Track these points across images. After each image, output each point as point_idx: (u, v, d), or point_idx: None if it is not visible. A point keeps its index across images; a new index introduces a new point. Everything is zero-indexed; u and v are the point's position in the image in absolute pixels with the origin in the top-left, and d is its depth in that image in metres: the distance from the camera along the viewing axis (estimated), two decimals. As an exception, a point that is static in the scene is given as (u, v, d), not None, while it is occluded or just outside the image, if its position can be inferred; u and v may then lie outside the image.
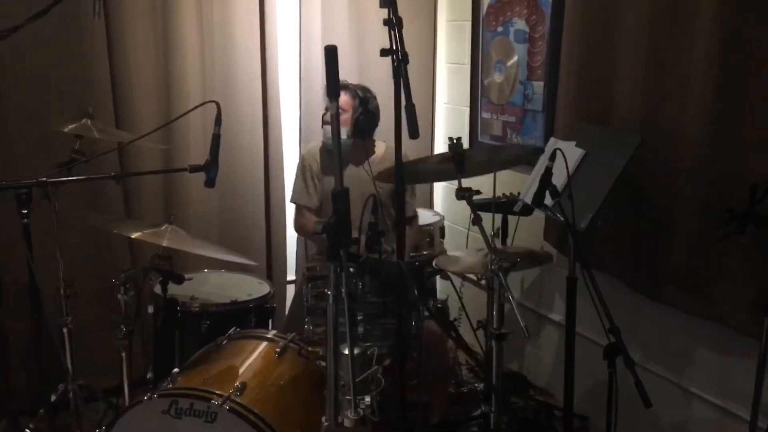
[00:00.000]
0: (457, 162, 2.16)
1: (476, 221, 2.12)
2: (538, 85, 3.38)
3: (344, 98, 3.13)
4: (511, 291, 1.99)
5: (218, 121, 2.27)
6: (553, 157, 2.53)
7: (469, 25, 3.84)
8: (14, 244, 2.95)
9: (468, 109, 3.92)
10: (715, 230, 2.27)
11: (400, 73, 1.74)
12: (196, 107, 2.34)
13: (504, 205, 3.20)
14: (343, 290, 1.39)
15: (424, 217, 3.69)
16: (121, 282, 2.53)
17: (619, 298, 2.94)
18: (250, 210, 3.70)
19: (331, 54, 1.29)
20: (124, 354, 2.59)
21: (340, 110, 3.12)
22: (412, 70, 3.95)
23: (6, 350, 2.36)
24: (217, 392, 2.12)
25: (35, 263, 2.91)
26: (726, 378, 2.65)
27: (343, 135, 3.12)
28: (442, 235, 3.71)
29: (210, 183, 2.29)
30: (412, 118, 1.70)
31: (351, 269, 1.69)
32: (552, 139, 3.02)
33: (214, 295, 2.83)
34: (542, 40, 3.33)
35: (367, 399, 1.61)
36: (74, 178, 2.37)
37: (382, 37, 3.76)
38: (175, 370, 2.37)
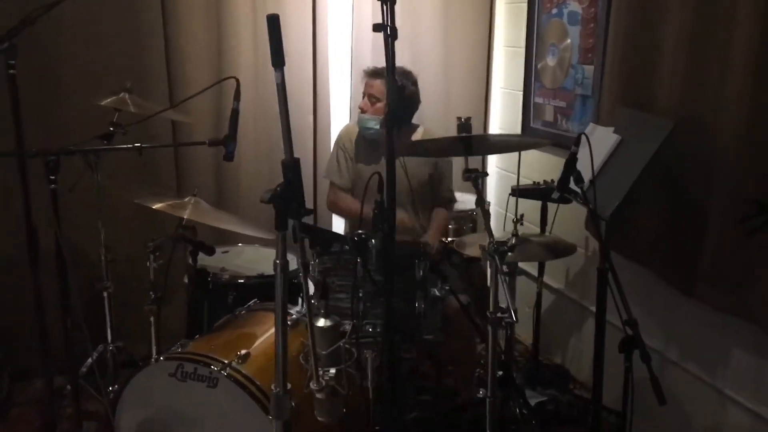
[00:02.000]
0: (465, 142, 2.12)
1: (479, 203, 2.08)
2: (589, 69, 3.27)
3: (379, 86, 3.13)
4: (503, 273, 1.94)
5: (237, 96, 2.32)
6: (578, 142, 2.46)
7: (525, 6, 3.75)
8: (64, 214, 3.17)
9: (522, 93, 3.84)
10: (742, 223, 2.14)
11: (391, 49, 1.70)
12: (215, 83, 2.41)
13: (543, 192, 3.14)
14: (289, 260, 1.40)
15: (468, 202, 3.65)
16: (150, 250, 2.64)
17: (656, 293, 2.84)
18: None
19: (273, 23, 1.29)
20: (152, 319, 2.70)
21: (376, 98, 3.12)
22: (466, 52, 3.97)
23: (43, 312, 2.51)
24: (218, 358, 2.19)
25: (79, 229, 3.14)
26: (763, 382, 2.50)
27: (376, 124, 3.13)
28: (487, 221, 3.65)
29: (228, 157, 2.34)
30: (393, 99, 1.68)
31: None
32: (591, 125, 2.92)
33: (244, 268, 2.91)
34: (594, 22, 3.21)
35: (332, 371, 1.63)
36: (99, 147, 2.49)
37: (435, 21, 3.80)
38: (197, 336, 2.47)
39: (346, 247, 2.26)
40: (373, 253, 2.16)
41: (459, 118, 2.16)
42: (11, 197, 2.30)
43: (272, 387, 1.42)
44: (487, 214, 2.07)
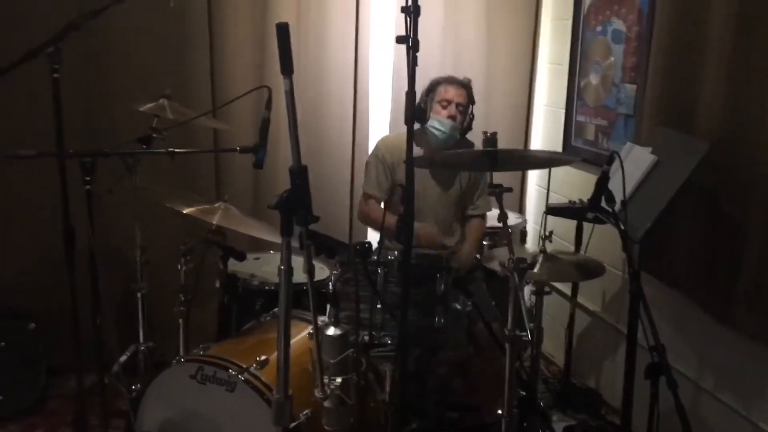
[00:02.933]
0: (490, 157, 2.10)
1: (501, 218, 2.06)
2: (631, 88, 3.21)
3: (459, 93, 3.10)
4: (523, 292, 1.91)
5: (269, 105, 2.35)
6: (610, 161, 2.42)
7: (570, 24, 3.71)
8: (101, 213, 3.27)
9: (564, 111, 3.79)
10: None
11: (412, 61, 1.70)
12: (249, 92, 2.44)
13: (577, 211, 3.08)
14: (284, 268, 1.41)
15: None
16: (182, 253, 2.69)
17: (692, 319, 2.77)
18: (335, 198, 3.80)
19: (282, 31, 1.31)
20: (181, 321, 2.74)
21: (458, 104, 3.09)
22: (509, 67, 3.94)
23: (77, 310, 2.60)
24: (238, 363, 2.21)
25: (115, 232, 3.23)
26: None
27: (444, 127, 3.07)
28: (523, 239, 3.61)
29: (258, 165, 2.37)
30: (410, 107, 1.68)
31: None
32: (628, 144, 2.87)
33: (274, 275, 2.94)
34: (637, 41, 3.16)
35: (338, 380, 1.63)
36: (133, 151, 2.55)
37: (477, 30, 3.78)
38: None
39: (374, 257, 2.27)
40: (394, 264, 2.15)
41: (485, 133, 2.15)
42: (53, 198, 2.37)
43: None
44: (507, 230, 2.04)
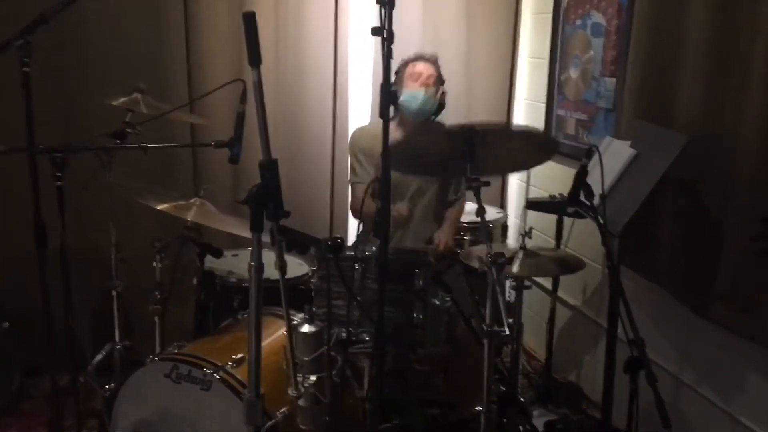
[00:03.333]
0: (468, 149, 2.07)
1: (479, 213, 2.03)
2: (611, 82, 3.20)
3: (427, 67, 3.08)
4: (503, 288, 1.89)
5: (243, 99, 2.32)
6: (589, 155, 2.40)
7: (550, 17, 3.69)
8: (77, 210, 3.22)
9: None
10: (754, 243, 2.05)
11: (387, 53, 1.67)
12: (224, 85, 2.39)
13: (557, 206, 3.07)
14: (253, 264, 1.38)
15: (487, 213, 3.59)
16: (157, 250, 2.65)
17: (672, 313, 2.76)
18: (315, 192, 3.76)
19: (250, 21, 1.28)
20: (157, 319, 2.70)
21: (428, 75, 3.05)
22: (489, 62, 3.92)
23: (50, 308, 2.55)
24: (213, 361, 2.17)
25: (90, 229, 3.18)
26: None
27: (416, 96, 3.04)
28: (504, 234, 3.59)
29: (233, 160, 2.34)
30: (384, 99, 1.66)
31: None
32: (607, 138, 2.86)
33: (252, 272, 2.89)
34: (617, 34, 3.14)
35: (313, 378, 1.60)
36: (106, 146, 2.51)
37: (457, 24, 3.76)
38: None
39: (351, 253, 2.24)
40: (372, 260, 2.13)
41: (463, 126, 2.12)
42: (24, 194, 2.32)
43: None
44: (485, 225, 2.01)
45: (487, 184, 2.09)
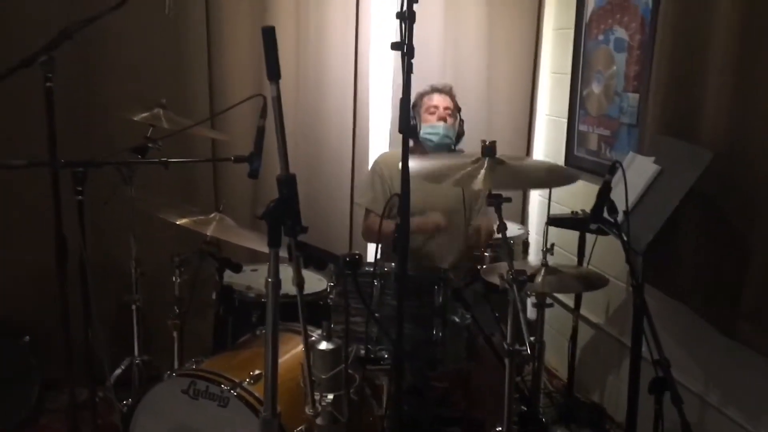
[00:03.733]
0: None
1: (501, 229, 2.01)
2: (634, 97, 3.16)
3: (439, 98, 3.12)
4: (524, 305, 1.85)
5: (263, 113, 2.32)
6: (612, 171, 2.37)
7: (572, 33, 3.67)
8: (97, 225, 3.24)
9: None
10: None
11: (407, 67, 1.66)
12: (244, 100, 2.39)
13: (579, 222, 3.03)
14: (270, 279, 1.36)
15: (508, 229, 3.56)
16: (176, 265, 2.65)
17: (698, 333, 2.71)
18: (334, 208, 3.76)
19: (269, 35, 1.27)
20: (175, 334, 2.70)
21: (445, 107, 3.09)
22: (510, 77, 3.90)
23: (69, 323, 2.55)
24: (230, 378, 2.16)
25: (111, 244, 3.19)
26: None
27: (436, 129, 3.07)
28: (525, 250, 3.55)
29: (253, 174, 2.33)
30: (404, 113, 1.64)
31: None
32: (631, 154, 2.82)
33: (271, 287, 2.88)
34: (640, 49, 3.11)
35: (330, 396, 1.57)
36: (127, 161, 2.52)
37: (478, 39, 3.74)
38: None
39: (370, 269, 2.22)
40: (391, 277, 2.10)
41: (483, 141, 2.10)
42: (44, 208, 2.33)
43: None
44: (507, 242, 1.99)
45: (509, 200, 2.07)
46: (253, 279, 2.93)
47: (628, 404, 2.57)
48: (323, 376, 1.61)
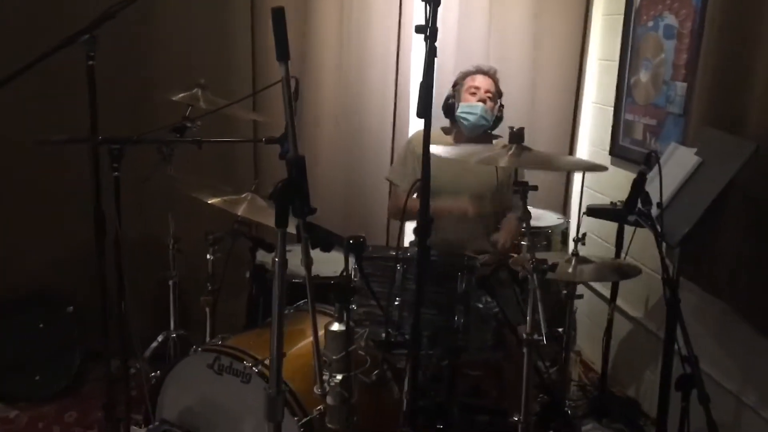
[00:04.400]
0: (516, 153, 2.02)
1: (524, 217, 1.98)
2: (682, 87, 3.06)
3: (485, 80, 3.09)
4: (538, 294, 1.83)
5: (295, 95, 2.33)
6: (647, 161, 2.31)
7: (622, 19, 3.57)
8: (139, 204, 3.32)
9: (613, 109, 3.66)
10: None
11: (429, 50, 1.65)
12: (275, 83, 2.39)
13: (617, 213, 2.97)
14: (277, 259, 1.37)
15: (547, 219, 3.52)
16: (210, 243, 2.69)
17: (736, 331, 2.63)
18: (373, 193, 3.75)
19: (278, 16, 1.27)
20: (208, 310, 2.75)
21: (486, 90, 3.07)
22: (556, 64, 3.82)
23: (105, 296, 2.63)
24: (253, 355, 2.19)
25: (152, 220, 3.27)
26: None
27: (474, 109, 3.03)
28: (564, 240, 3.49)
29: (283, 156, 2.34)
30: (424, 98, 1.63)
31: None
32: (672, 144, 2.74)
33: (302, 268, 2.90)
34: (689, 37, 3.01)
35: (339, 377, 1.59)
36: (162, 139, 2.57)
37: (524, 25, 3.67)
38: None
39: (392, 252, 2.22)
40: (413, 262, 2.10)
41: (511, 128, 2.07)
42: (89, 184, 2.39)
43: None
44: (529, 231, 1.96)
45: (535, 188, 2.04)
46: (288, 259, 2.95)
47: (659, 400, 2.51)
48: (334, 357, 1.62)
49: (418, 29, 1.71)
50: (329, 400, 1.64)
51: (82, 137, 2.35)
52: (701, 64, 2.79)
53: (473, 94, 3.06)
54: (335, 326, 1.66)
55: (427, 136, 1.75)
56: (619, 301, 3.34)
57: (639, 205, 2.29)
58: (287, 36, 1.31)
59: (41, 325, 3.28)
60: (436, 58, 1.67)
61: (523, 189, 1.98)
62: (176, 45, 3.43)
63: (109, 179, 2.43)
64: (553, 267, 1.88)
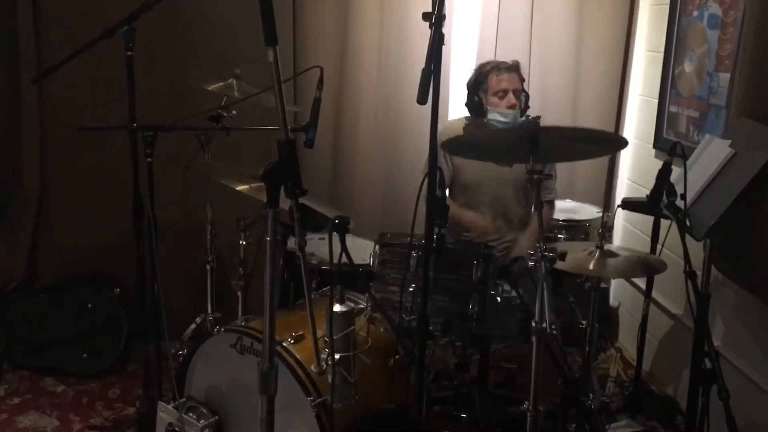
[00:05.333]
0: (531, 141, 2.01)
1: (537, 207, 1.97)
2: (725, 78, 2.97)
3: (511, 79, 3.05)
4: (546, 284, 1.82)
5: (320, 84, 2.38)
6: (673, 152, 2.27)
7: (668, 8, 3.49)
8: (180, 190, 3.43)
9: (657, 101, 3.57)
10: None
11: (434, 38, 1.67)
12: (300, 73, 2.47)
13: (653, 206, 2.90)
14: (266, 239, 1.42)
15: (586, 212, 3.48)
16: (241, 228, 2.78)
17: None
18: (412, 182, 3.77)
19: (265, 1, 1.31)
20: (240, 294, 2.83)
21: (514, 90, 3.04)
22: (601, 54, 3.76)
23: (144, 280, 2.73)
24: (272, 336, 2.25)
25: (193, 206, 3.37)
26: None
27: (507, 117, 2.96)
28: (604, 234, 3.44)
29: (308, 144, 2.40)
30: (424, 84, 1.65)
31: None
32: (707, 136, 2.67)
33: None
34: (733, 26, 2.92)
35: (337, 356, 1.62)
36: (190, 126, 2.68)
37: (567, 14, 3.62)
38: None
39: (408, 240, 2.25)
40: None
41: (527, 116, 2.06)
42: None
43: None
44: (539, 218, 1.96)
45: (549, 177, 2.03)
46: (317, 247, 3.01)
47: (688, 397, 2.46)
48: (335, 337, 1.66)
49: (425, 17, 1.73)
50: (330, 378, 1.68)
51: (117, 124, 2.46)
52: (741, 54, 2.70)
53: (502, 98, 3.02)
54: (336, 308, 1.70)
55: (434, 124, 1.76)
56: (658, 297, 3.27)
57: (664, 196, 2.26)
58: (274, 20, 1.34)
59: (90, 306, 3.44)
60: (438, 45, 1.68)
61: (537, 178, 1.97)
62: (214, 35, 3.51)
63: (156, 165, 2.53)
64: (563, 256, 1.86)
